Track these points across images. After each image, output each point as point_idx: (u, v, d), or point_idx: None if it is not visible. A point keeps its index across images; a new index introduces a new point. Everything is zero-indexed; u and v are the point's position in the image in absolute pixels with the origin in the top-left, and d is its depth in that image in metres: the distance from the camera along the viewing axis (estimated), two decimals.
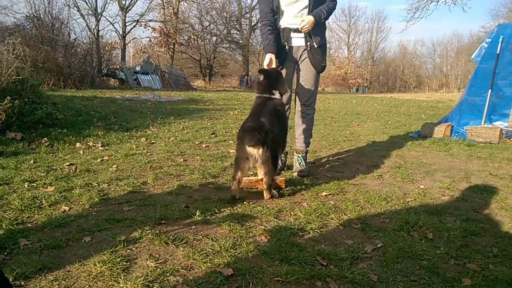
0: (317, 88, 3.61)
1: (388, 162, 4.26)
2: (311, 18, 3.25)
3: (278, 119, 2.93)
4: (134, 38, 36.11)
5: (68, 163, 3.68)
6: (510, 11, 31.98)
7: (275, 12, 3.38)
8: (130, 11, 29.65)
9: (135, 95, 13.05)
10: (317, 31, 3.35)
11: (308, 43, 3.38)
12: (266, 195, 2.84)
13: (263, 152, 2.67)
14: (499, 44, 6.41)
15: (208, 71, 35.41)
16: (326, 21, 3.49)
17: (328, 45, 3.69)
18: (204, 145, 4.90)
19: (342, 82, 51.70)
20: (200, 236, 2.15)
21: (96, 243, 2.04)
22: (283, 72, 3.40)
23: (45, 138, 4.55)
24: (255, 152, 2.67)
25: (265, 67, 3.23)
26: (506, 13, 35.12)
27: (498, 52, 6.41)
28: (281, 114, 3.06)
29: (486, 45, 6.74)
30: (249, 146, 2.64)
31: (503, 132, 5.95)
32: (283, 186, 3.09)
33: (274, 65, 3.27)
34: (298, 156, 3.66)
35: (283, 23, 3.41)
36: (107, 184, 3.09)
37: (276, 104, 2.98)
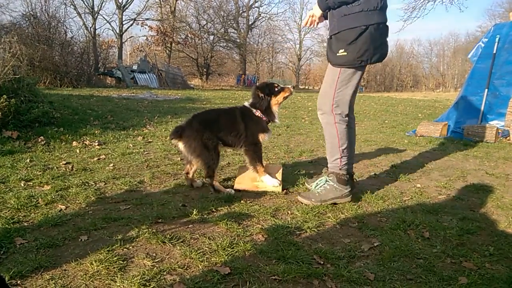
0: (334, 87, 2.76)
1: (385, 161, 4.27)
2: (314, 7, 2.78)
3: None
4: (131, 36, 36.05)
5: (64, 162, 3.66)
6: (506, 11, 32.12)
7: None
8: (127, 10, 29.69)
9: (132, 94, 13.01)
10: (331, 18, 2.75)
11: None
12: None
13: None
14: (496, 43, 6.45)
15: (205, 70, 35.36)
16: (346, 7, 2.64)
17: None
18: None
19: None
20: (197, 235, 2.15)
21: (93, 242, 2.03)
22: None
23: (42, 137, 4.53)
24: None
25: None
26: (503, 13, 35.30)
27: (494, 51, 6.44)
28: None
29: (482, 45, 6.78)
30: None
31: (499, 131, 5.99)
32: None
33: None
34: (322, 178, 2.90)
35: None
36: (103, 183, 3.08)
37: None
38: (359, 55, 2.62)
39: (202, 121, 3.00)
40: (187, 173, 3.10)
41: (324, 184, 2.82)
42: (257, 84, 3.26)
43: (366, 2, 2.58)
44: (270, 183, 3.02)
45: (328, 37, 2.78)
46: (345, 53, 2.64)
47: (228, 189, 2.93)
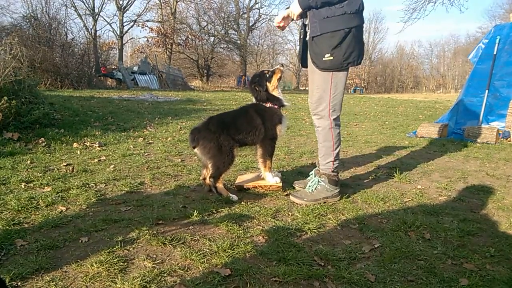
0: (329, 92, 2.76)
1: (386, 163, 4.26)
2: (293, 4, 2.72)
3: None
4: (132, 38, 36.11)
5: (65, 163, 3.67)
6: (507, 12, 32.13)
7: None
8: (127, 11, 29.72)
9: (133, 95, 13.01)
10: (311, 19, 2.69)
11: (308, 34, 2.76)
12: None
13: None
14: (496, 45, 6.44)
15: (205, 71, 35.40)
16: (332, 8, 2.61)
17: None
18: None
19: None
20: (198, 237, 2.15)
21: (93, 243, 2.03)
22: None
23: (42, 138, 4.54)
24: None
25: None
26: (503, 14, 35.29)
27: (495, 52, 6.44)
28: None
29: (483, 46, 6.78)
30: None
31: (500, 132, 5.98)
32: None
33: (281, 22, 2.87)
34: (315, 179, 2.96)
35: None
36: (104, 185, 3.08)
37: None
38: (345, 58, 2.67)
39: (219, 123, 2.96)
40: (204, 178, 3.03)
41: (316, 184, 2.91)
42: (249, 79, 3.26)
43: (349, 5, 2.60)
44: (272, 180, 3.05)
45: (309, 38, 2.74)
46: (331, 58, 2.67)
47: (232, 195, 2.83)
